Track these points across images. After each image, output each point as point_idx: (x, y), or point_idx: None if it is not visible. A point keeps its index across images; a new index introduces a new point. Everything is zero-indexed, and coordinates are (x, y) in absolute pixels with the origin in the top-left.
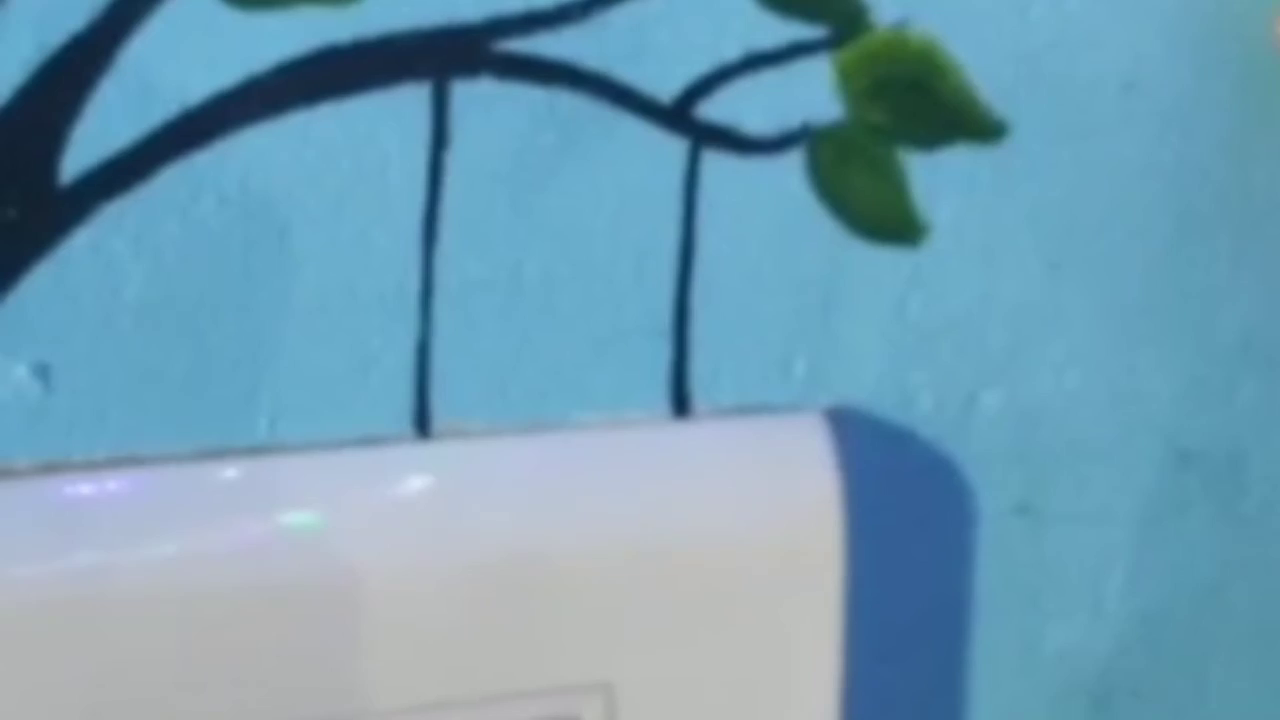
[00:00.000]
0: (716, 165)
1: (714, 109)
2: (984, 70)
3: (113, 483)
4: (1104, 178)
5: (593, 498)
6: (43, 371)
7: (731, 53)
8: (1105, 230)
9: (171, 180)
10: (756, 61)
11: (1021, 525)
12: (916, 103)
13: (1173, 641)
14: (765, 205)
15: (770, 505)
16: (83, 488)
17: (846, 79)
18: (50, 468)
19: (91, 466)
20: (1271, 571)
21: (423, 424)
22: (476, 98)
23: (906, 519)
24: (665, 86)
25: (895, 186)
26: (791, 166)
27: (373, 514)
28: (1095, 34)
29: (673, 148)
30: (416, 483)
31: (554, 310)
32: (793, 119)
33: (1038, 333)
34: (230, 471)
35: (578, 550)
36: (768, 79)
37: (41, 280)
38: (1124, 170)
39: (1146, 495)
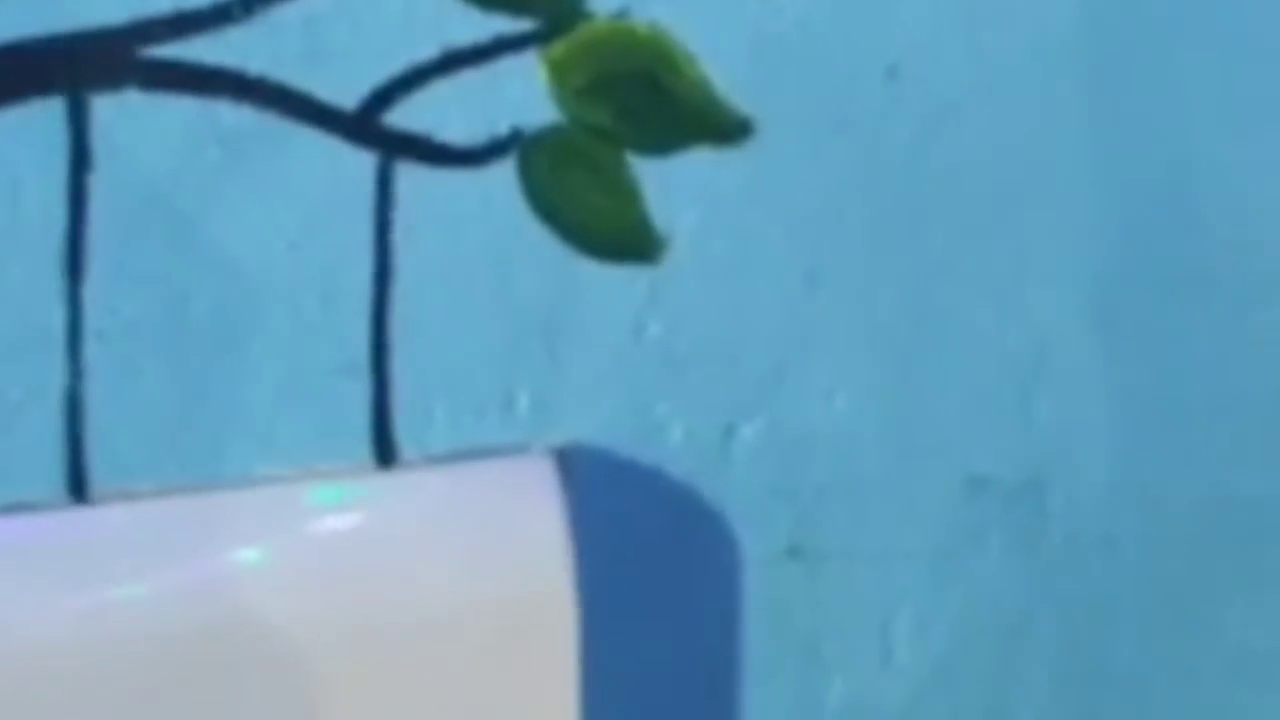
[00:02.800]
0: (413, 179)
1: (407, 116)
2: (724, 61)
3: None
4: (867, 177)
5: (280, 562)
6: None
7: (425, 52)
8: (871, 236)
9: None
10: (455, 61)
11: (794, 569)
12: (645, 101)
13: (972, 688)
14: (473, 223)
15: (492, 562)
16: None
17: (561, 77)
18: None
19: None
20: (1078, 605)
21: (78, 488)
22: (122, 111)
23: (657, 569)
24: (348, 92)
25: (625, 196)
26: (502, 178)
27: (19, 588)
28: (852, 15)
29: (360, 161)
30: (71, 554)
31: (228, 351)
32: (500, 124)
33: (799, 354)
34: None
35: (262, 620)
36: (469, 80)
37: None
38: (890, 168)
39: (935, 528)
